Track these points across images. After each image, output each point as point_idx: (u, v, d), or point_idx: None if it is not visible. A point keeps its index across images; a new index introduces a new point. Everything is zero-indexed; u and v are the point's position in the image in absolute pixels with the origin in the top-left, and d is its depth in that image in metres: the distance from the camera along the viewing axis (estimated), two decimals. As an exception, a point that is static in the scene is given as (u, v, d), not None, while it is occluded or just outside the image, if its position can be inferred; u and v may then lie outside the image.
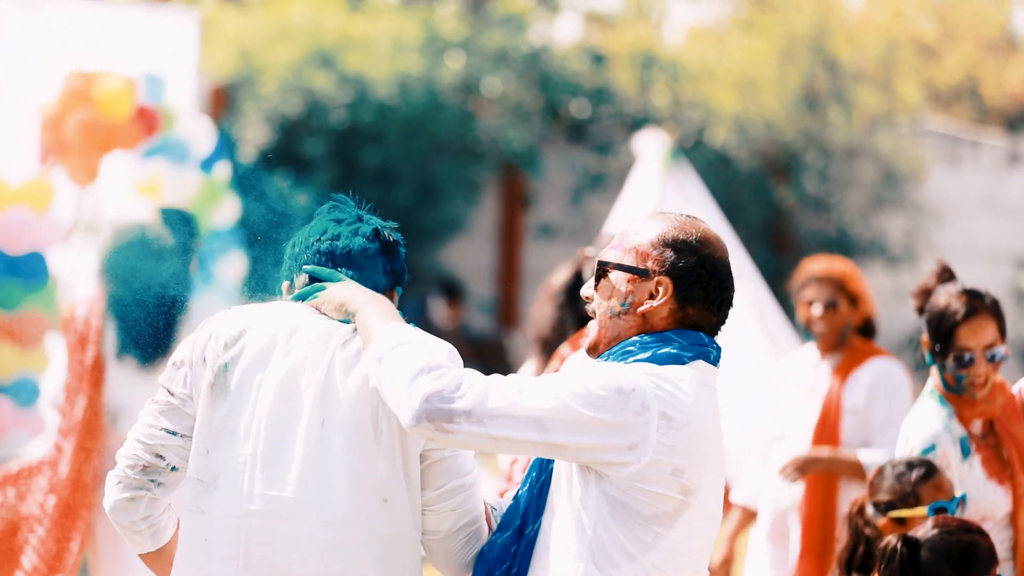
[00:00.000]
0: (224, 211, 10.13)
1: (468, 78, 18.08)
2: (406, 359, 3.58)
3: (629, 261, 3.71)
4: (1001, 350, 5.08)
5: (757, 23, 19.46)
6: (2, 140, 10.40)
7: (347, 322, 3.90)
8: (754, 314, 9.58)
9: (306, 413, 3.79)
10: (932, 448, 5.06)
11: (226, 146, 11.37)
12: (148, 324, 7.39)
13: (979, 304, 5.10)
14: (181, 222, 7.81)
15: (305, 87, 17.26)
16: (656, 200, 9.99)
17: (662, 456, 3.53)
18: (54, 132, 10.05)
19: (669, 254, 3.70)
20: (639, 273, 3.71)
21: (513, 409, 3.51)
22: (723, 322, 3.76)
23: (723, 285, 3.72)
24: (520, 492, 3.74)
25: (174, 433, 3.92)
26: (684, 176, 10.32)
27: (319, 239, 4.07)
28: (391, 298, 4.05)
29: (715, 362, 3.72)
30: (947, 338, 5.11)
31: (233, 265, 10.25)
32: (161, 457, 3.93)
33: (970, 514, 5.07)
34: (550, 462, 3.71)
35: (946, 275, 5.27)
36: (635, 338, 3.70)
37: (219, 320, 3.94)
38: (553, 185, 19.01)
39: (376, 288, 3.99)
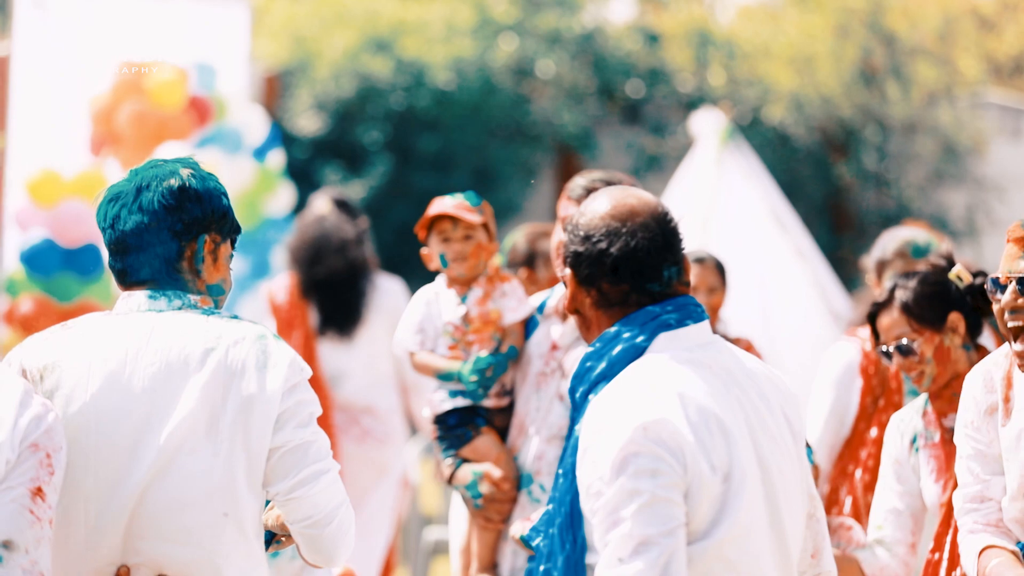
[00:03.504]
0: (278, 199, 10.09)
1: (522, 61, 17.99)
2: None
3: (558, 266, 3.70)
4: (913, 344, 4.84)
5: (812, -1, 19.29)
6: (55, 133, 10.41)
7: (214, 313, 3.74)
8: (816, 293, 9.47)
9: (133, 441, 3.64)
10: (885, 444, 4.95)
11: (279, 134, 11.33)
12: (342, 300, 8.14)
13: (891, 296, 4.94)
14: (348, 210, 8.46)
15: (361, 72, 17.22)
16: (714, 180, 9.88)
17: (692, 476, 3.37)
18: (107, 124, 10.04)
19: (568, 245, 3.57)
20: (564, 272, 3.62)
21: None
22: (672, 277, 3.53)
23: (628, 249, 3.50)
24: (558, 557, 3.51)
25: None
26: (742, 155, 10.21)
27: (103, 229, 3.82)
28: (204, 249, 3.79)
29: (691, 319, 3.52)
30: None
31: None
32: None
33: (922, 510, 4.88)
34: (580, 528, 3.48)
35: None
36: (593, 343, 3.55)
37: (25, 353, 3.73)
38: (609, 167, 18.86)
39: (169, 256, 3.74)
